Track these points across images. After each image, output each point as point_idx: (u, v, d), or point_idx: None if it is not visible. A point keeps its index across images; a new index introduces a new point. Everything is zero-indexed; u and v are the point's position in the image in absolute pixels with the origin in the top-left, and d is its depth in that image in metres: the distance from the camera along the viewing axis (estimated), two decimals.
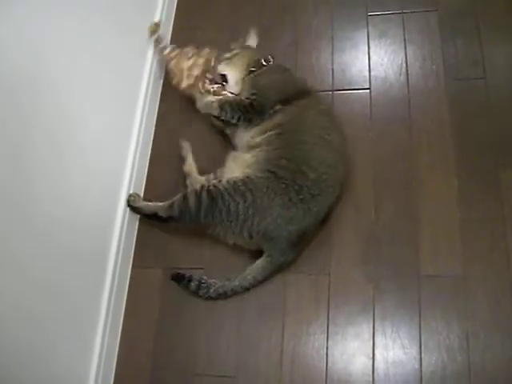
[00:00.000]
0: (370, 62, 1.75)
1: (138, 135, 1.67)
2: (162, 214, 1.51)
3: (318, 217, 1.44)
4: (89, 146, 1.42)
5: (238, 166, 1.50)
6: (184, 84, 1.65)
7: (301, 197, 1.40)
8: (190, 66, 1.63)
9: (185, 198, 1.46)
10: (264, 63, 1.61)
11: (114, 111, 1.57)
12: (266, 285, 1.47)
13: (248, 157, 1.50)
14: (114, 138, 1.57)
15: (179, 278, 1.51)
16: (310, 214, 1.41)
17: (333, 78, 1.75)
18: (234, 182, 1.43)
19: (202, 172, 1.61)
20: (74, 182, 1.35)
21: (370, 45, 1.78)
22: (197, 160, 1.65)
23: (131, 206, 1.57)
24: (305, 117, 1.49)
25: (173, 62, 1.67)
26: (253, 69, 1.60)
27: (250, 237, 1.42)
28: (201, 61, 1.65)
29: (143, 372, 1.46)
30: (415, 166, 1.57)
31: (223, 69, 1.62)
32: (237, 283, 1.45)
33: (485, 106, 1.62)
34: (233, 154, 1.56)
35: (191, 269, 1.53)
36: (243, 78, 1.60)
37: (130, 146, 1.64)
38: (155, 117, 1.79)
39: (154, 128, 1.77)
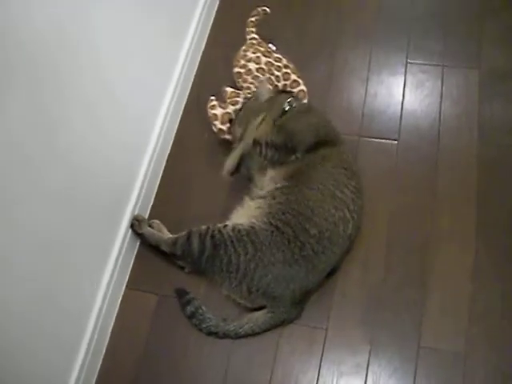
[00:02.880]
0: (403, 111, 1.69)
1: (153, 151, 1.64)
2: (164, 248, 1.48)
3: (323, 274, 1.40)
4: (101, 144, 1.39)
5: (244, 213, 1.46)
6: (235, 69, 1.68)
7: (304, 253, 1.35)
8: (250, 58, 1.67)
9: (189, 238, 1.42)
10: (286, 109, 1.50)
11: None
12: None
13: (253, 205, 1.45)
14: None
15: (181, 294, 1.46)
16: (314, 272, 1.37)
17: (362, 122, 1.69)
18: (239, 231, 1.38)
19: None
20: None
21: (406, 94, 1.72)
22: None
23: (134, 230, 1.52)
24: (319, 169, 1.42)
25: (243, 47, 1.71)
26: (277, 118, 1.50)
27: (249, 292, 1.37)
28: (264, 60, 1.66)
29: None
30: (433, 230, 1.51)
31: (249, 136, 1.49)
32: (231, 328, 1.39)
33: None
34: (245, 198, 1.50)
35: None
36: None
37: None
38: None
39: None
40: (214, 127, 1.64)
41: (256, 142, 1.45)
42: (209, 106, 1.65)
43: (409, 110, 1.69)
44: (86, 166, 1.32)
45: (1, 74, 0.99)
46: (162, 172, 1.70)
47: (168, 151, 1.73)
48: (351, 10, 1.91)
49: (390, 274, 1.46)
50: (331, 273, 1.43)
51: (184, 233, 1.45)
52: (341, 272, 1.46)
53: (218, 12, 1.98)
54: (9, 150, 1.04)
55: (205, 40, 1.92)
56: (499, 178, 1.56)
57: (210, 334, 1.41)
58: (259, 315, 1.40)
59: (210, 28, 1.94)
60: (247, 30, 1.76)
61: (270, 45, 1.75)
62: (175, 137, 1.76)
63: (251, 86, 1.64)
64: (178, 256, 1.46)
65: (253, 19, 1.76)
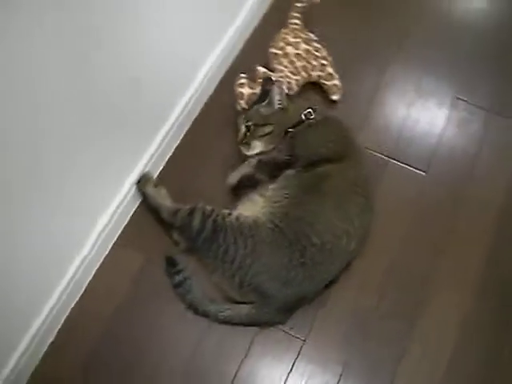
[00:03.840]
0: (439, 145, 1.64)
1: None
2: (163, 215, 1.42)
3: (320, 285, 1.35)
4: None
5: (251, 206, 1.41)
6: (272, 50, 1.62)
7: (302, 260, 1.30)
8: (289, 42, 1.61)
9: (191, 213, 1.37)
10: (304, 118, 1.44)
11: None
12: None
13: (260, 202, 1.41)
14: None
15: (171, 263, 1.41)
16: (311, 281, 1.32)
17: (396, 144, 1.63)
18: (241, 223, 1.34)
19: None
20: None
21: (446, 128, 1.67)
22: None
23: (139, 188, 1.46)
24: (327, 182, 1.36)
25: (284, 30, 1.66)
26: (290, 129, 1.44)
27: (241, 286, 1.32)
28: (303, 47, 1.61)
29: (81, 352, 1.36)
30: (437, 270, 1.46)
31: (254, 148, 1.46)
32: (212, 310, 1.35)
33: None
34: (254, 192, 1.45)
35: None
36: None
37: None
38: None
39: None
40: (238, 106, 1.58)
41: (261, 162, 1.45)
42: (237, 83, 1.58)
43: (445, 145, 1.64)
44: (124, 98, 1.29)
45: None
46: (182, 136, 1.63)
47: (194, 118, 1.66)
48: (414, 26, 1.84)
49: (382, 301, 1.42)
50: (327, 285, 1.38)
51: (188, 206, 1.39)
52: (336, 287, 1.41)
53: None
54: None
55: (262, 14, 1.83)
56: None
57: (190, 306, 1.36)
58: (243, 307, 1.35)
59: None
60: (291, 13, 1.69)
61: (311, 34, 1.68)
62: (205, 105, 1.68)
63: (285, 69, 1.58)
64: (175, 227, 1.40)
65: (299, 5, 1.69)
